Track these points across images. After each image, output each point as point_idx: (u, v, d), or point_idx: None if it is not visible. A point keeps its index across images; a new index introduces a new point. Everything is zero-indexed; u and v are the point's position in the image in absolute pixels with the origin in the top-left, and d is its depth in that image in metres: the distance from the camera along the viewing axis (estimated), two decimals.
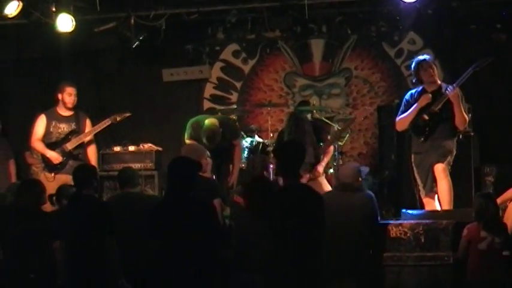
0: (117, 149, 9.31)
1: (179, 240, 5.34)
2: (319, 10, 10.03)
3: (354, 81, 10.72)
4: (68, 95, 8.52)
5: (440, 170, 7.59)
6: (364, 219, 6.90)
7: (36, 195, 6.65)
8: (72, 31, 9.00)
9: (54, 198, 7.15)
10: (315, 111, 9.43)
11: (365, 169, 7.75)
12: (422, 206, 7.91)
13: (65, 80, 8.76)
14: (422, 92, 7.78)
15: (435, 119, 7.62)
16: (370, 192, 7.17)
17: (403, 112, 7.85)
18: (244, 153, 9.31)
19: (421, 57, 7.94)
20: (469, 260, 6.59)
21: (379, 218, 7.22)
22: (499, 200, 7.14)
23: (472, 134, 8.69)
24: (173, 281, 5.32)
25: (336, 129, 9.15)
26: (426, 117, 7.65)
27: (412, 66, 7.99)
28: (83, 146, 8.64)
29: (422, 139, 7.71)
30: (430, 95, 7.67)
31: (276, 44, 10.82)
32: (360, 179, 7.14)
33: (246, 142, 9.39)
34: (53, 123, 8.55)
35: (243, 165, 8.98)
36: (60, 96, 8.60)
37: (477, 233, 6.53)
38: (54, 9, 8.88)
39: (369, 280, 6.91)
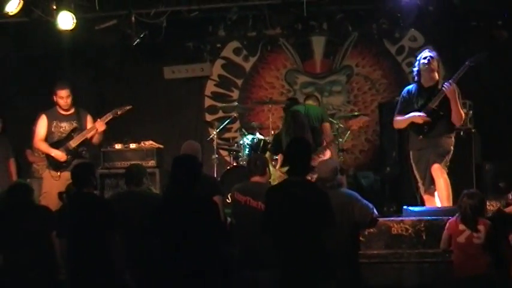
0: (118, 146, 9.27)
1: (182, 237, 5.34)
2: (320, 7, 10.03)
3: (355, 78, 10.74)
4: (60, 98, 8.33)
5: (437, 170, 7.59)
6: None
7: (26, 194, 6.68)
8: (73, 29, 8.97)
9: (64, 195, 7.16)
10: None
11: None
12: (422, 203, 7.91)
13: (59, 82, 8.48)
14: (419, 88, 7.73)
15: (433, 116, 7.60)
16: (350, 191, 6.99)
17: (400, 110, 7.80)
18: (245, 150, 9.30)
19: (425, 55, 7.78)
20: (453, 254, 6.63)
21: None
22: (508, 210, 7.12)
23: (473, 130, 8.69)
24: (177, 278, 5.32)
25: (337, 126, 9.14)
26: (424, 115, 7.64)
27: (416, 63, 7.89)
28: (86, 143, 8.53)
29: (421, 137, 7.69)
30: (425, 115, 7.60)
31: (277, 41, 10.84)
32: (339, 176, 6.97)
33: (247, 139, 9.38)
34: (54, 123, 8.40)
35: (244, 163, 8.96)
36: (55, 98, 8.43)
37: (456, 226, 6.57)
38: (55, 7, 8.86)
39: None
